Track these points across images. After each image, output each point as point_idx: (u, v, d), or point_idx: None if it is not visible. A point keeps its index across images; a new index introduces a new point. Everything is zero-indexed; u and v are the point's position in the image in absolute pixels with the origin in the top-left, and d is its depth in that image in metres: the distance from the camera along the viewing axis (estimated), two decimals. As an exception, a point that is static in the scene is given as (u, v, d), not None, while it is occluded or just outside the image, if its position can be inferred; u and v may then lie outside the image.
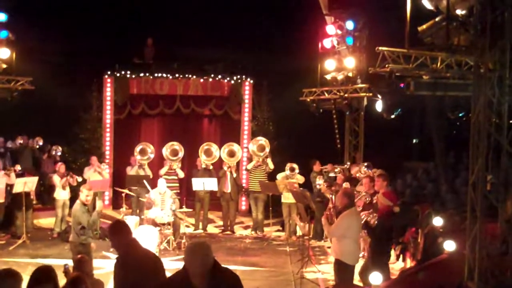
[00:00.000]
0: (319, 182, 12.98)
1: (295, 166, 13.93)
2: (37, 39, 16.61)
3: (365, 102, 15.97)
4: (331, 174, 13.63)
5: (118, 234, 5.90)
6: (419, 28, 9.21)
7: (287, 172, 13.92)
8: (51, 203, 14.40)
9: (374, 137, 16.65)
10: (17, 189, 13.03)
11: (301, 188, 13.32)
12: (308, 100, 16.61)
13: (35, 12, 16.93)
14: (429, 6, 8.84)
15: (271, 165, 14.65)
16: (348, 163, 14.54)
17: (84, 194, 9.08)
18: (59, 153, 15.14)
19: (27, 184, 13.10)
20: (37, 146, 15.83)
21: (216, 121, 18.34)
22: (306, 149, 15.82)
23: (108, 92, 17.37)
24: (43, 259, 11.55)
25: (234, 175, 14.77)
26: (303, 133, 16.68)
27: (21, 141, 15.66)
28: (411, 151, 19.73)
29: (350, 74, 15.76)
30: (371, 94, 14.77)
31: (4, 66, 16.20)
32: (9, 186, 13.52)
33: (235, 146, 15.17)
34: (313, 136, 16.54)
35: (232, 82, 17.57)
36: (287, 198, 13.78)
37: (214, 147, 15.11)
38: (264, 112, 17.67)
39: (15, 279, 4.60)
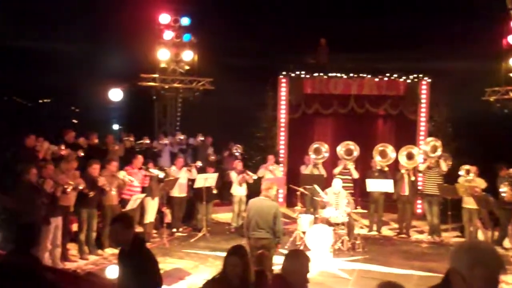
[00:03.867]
0: (504, 190, 12.09)
1: (470, 168, 13.12)
2: (216, 41, 17.32)
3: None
4: None
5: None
6: None
7: (461, 173, 13.15)
8: (229, 198, 14.90)
9: None
10: (198, 184, 13.68)
11: (483, 193, 12.51)
12: (491, 99, 15.72)
13: (214, 15, 17.61)
14: None
15: (443, 167, 13.91)
16: None
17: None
18: (237, 153, 15.61)
19: (207, 180, 13.70)
20: (212, 158, 16.29)
21: (391, 122, 17.94)
22: (490, 151, 14.88)
23: (283, 92, 17.65)
24: (222, 252, 11.84)
25: (413, 178, 14.22)
26: (486, 134, 15.67)
27: (202, 138, 16.36)
28: None
29: (539, 72, 14.66)
30: None
31: (187, 67, 17.21)
32: (191, 181, 14.20)
33: (414, 149, 14.53)
34: (497, 138, 15.52)
35: (408, 81, 17.07)
36: (468, 203, 13.03)
37: (389, 149, 14.68)
38: (442, 112, 16.89)
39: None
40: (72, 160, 11.37)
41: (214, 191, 14.18)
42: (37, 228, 5.62)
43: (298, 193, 13.34)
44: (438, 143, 14.12)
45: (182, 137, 16.19)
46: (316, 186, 13.21)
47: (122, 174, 12.24)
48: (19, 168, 10.70)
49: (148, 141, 14.84)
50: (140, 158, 12.92)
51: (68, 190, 10.60)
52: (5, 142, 17.67)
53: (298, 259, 4.95)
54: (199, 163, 14.39)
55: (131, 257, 5.38)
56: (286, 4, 18.18)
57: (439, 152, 14.02)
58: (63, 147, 12.37)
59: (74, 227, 11.68)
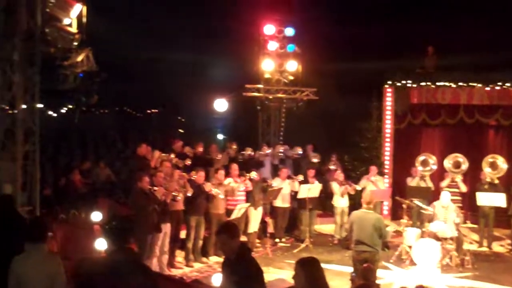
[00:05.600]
0: None
1: None
2: (320, 51, 17.28)
3: None
4: None
5: None
6: None
7: None
8: (332, 210, 14.77)
9: None
10: (301, 194, 13.67)
11: None
12: None
13: (318, 25, 17.57)
14: None
15: None
16: None
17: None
18: (332, 167, 15.50)
19: (310, 191, 13.66)
20: (314, 160, 16.19)
21: (503, 132, 17.08)
22: None
23: (388, 101, 17.29)
24: (325, 264, 11.67)
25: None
26: None
27: (300, 152, 16.27)
28: None
29: None
30: None
31: (291, 78, 17.29)
32: (294, 192, 14.20)
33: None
34: None
35: (522, 89, 16.21)
36: None
37: (500, 160, 14.06)
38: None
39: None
40: (166, 165, 11.73)
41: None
42: (131, 223, 5.92)
43: (404, 205, 13.02)
44: None
45: (282, 149, 16.18)
46: (417, 202, 12.89)
47: (227, 181, 12.53)
48: (132, 176, 11.16)
49: (250, 152, 15.01)
50: (235, 166, 13.10)
51: (178, 198, 10.93)
52: (116, 151, 18.52)
53: None
54: (300, 177, 14.37)
55: (237, 266, 5.41)
56: (392, 12, 17.86)
57: None
58: (172, 155, 12.74)
59: (181, 234, 11.99)
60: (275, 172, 14.94)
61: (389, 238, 9.20)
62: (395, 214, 16.23)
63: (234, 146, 14.99)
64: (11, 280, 5.48)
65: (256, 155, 15.12)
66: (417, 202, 12.92)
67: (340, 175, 14.52)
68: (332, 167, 15.59)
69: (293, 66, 17.18)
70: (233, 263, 5.49)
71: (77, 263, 5.83)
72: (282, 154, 16.06)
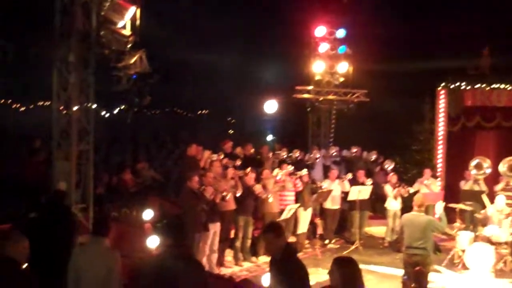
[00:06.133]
0: None
1: None
2: (372, 52, 17.13)
3: None
4: None
5: None
6: None
7: None
8: (382, 212, 14.61)
9: None
10: (351, 196, 13.58)
11: None
12: None
13: (370, 26, 17.41)
14: None
15: None
16: None
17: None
18: (390, 168, 15.31)
19: (361, 193, 13.56)
20: (371, 159, 16.07)
21: (561, 135, 16.57)
22: None
23: (442, 104, 16.97)
24: (375, 266, 11.77)
25: None
26: None
27: (355, 151, 16.21)
28: None
29: None
30: None
31: (342, 79, 17.18)
32: (344, 193, 14.11)
33: None
34: None
35: None
36: None
37: (554, 164, 13.68)
38: None
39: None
40: (216, 165, 11.87)
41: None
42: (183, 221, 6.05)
43: (457, 209, 12.77)
44: None
45: (335, 151, 16.11)
46: (484, 196, 12.66)
47: (275, 172, 12.64)
48: (183, 175, 11.30)
49: (298, 155, 14.97)
50: (286, 166, 13.20)
51: (227, 198, 11.00)
52: (167, 151, 18.76)
53: None
54: (349, 175, 14.29)
55: (282, 265, 5.43)
56: (444, 13, 17.55)
57: None
58: (221, 156, 12.84)
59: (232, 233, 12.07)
60: (326, 174, 14.86)
61: (446, 228, 9.08)
62: (448, 218, 15.88)
63: (284, 153, 14.88)
64: (71, 272, 5.69)
65: (306, 157, 15.10)
66: (484, 197, 12.68)
67: (393, 177, 14.35)
68: (389, 167, 15.35)
69: (344, 67, 17.11)
70: (278, 262, 5.51)
71: (136, 261, 5.95)
72: (337, 156, 16.01)
